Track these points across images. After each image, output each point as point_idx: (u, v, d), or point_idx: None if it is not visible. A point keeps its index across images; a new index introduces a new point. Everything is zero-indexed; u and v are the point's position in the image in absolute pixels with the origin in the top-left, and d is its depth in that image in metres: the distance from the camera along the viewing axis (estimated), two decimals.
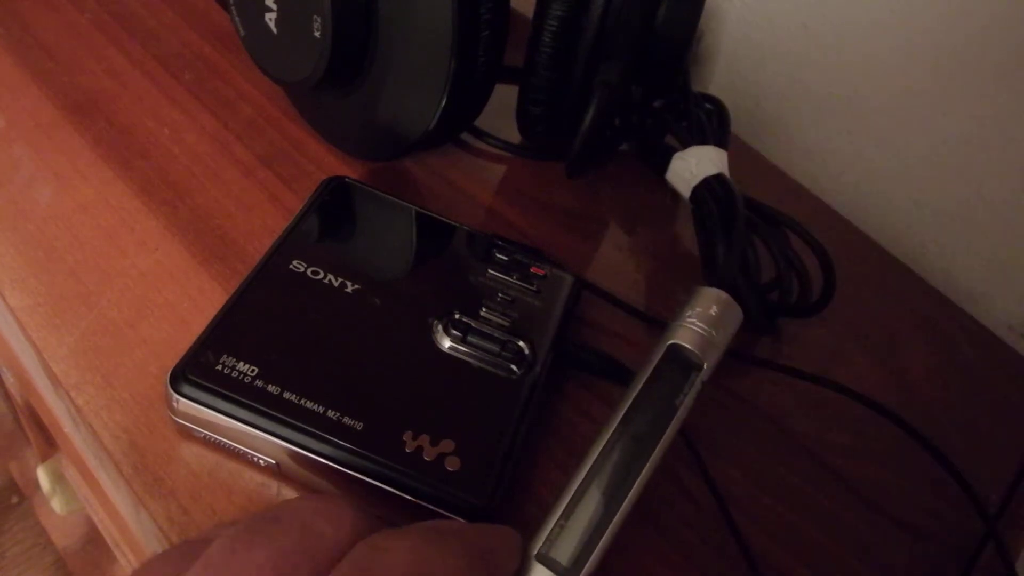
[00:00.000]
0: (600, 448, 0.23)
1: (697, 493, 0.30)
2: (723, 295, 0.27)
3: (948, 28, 0.41)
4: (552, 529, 0.22)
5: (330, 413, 0.25)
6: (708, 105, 0.41)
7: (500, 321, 0.29)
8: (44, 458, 0.75)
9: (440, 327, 0.28)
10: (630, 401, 0.24)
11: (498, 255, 0.32)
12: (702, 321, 0.26)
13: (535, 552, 0.22)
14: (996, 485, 0.34)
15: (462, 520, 0.20)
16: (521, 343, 0.29)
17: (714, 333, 0.26)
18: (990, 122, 0.42)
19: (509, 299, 0.30)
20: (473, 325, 0.29)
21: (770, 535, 0.30)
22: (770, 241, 0.35)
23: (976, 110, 0.42)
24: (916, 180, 0.46)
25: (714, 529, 0.29)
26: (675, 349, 0.25)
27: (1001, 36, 0.40)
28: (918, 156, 0.45)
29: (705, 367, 0.25)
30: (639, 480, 0.23)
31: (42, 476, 0.72)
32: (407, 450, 0.24)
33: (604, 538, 0.22)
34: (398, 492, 0.24)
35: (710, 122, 0.40)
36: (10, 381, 0.65)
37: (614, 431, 0.24)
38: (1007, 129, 0.41)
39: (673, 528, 0.29)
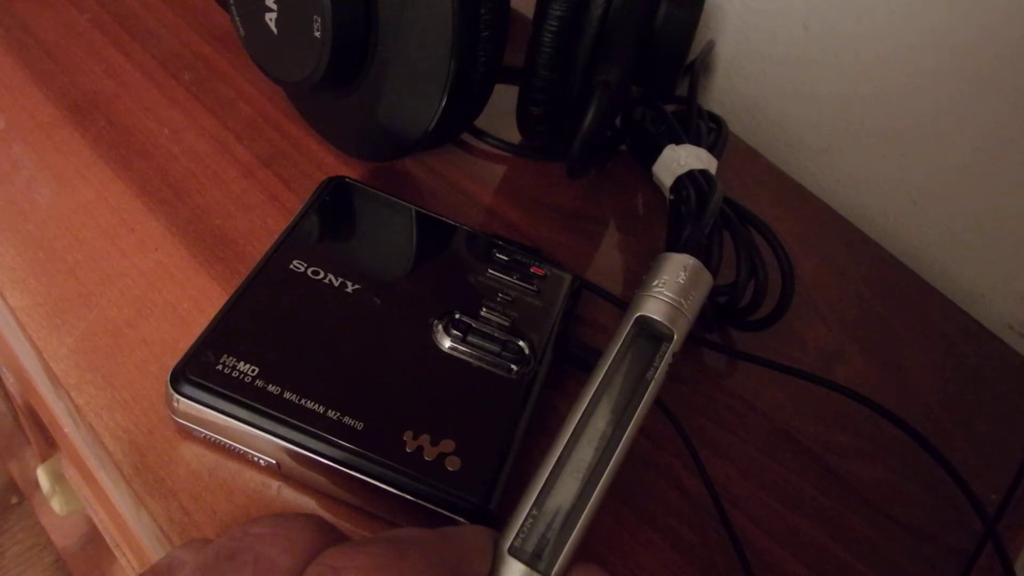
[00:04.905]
0: (570, 431, 0.22)
1: (695, 492, 0.30)
2: (690, 260, 0.26)
3: (948, 28, 0.41)
4: (524, 520, 0.21)
5: (330, 413, 0.25)
6: (711, 124, 0.42)
7: (500, 321, 0.29)
8: (44, 458, 0.75)
9: (440, 327, 0.28)
10: (599, 380, 0.23)
11: (498, 255, 0.32)
12: (670, 290, 0.25)
13: (507, 546, 0.21)
14: (996, 485, 0.34)
15: (426, 529, 0.19)
16: (521, 343, 0.29)
17: (683, 301, 0.24)
18: (991, 121, 0.42)
19: (509, 299, 0.30)
20: (473, 325, 0.29)
21: (770, 535, 0.30)
22: (739, 244, 0.34)
23: (977, 109, 0.42)
24: (916, 180, 0.46)
25: (713, 528, 0.29)
26: (643, 321, 0.24)
27: (1002, 35, 0.40)
28: (918, 156, 0.45)
29: (675, 337, 0.24)
30: (613, 462, 0.22)
31: (42, 476, 0.73)
32: (407, 450, 0.24)
33: (579, 525, 0.21)
34: (398, 492, 0.24)
35: (708, 136, 0.40)
36: (10, 381, 0.65)
37: (583, 412, 0.23)
38: (1008, 128, 0.41)
39: (671, 528, 0.29)
